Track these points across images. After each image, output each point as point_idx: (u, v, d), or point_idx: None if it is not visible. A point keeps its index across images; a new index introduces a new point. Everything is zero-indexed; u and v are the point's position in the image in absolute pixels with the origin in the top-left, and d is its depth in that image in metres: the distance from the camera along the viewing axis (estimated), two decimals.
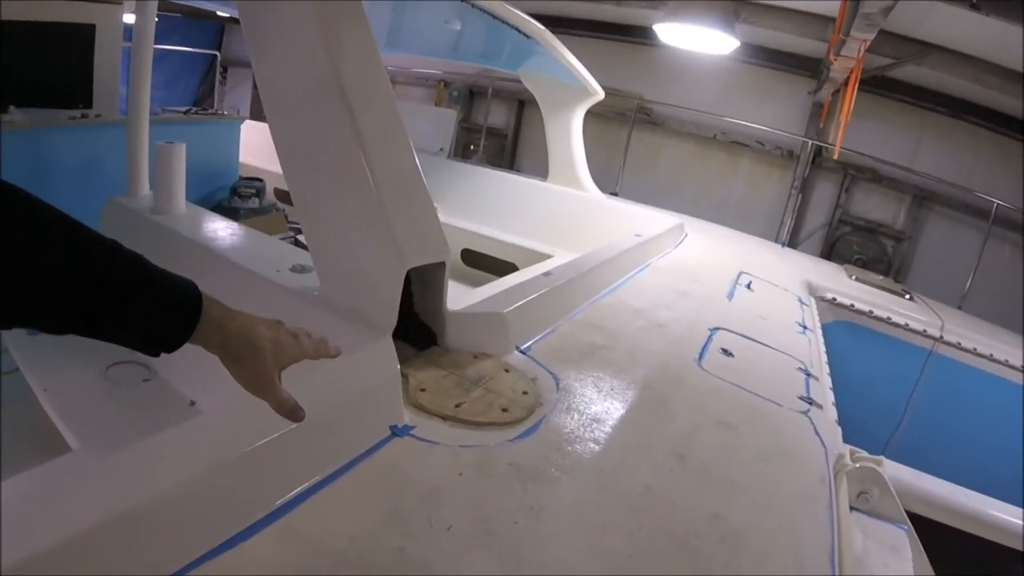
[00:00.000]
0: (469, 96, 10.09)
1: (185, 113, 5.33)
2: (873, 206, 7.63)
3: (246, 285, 1.76)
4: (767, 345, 2.25)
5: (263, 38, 1.62)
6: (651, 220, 3.75)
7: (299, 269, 1.76)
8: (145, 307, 0.72)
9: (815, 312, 3.08)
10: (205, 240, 2.07)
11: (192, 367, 1.88)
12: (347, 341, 1.37)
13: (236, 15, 1.78)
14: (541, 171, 4.66)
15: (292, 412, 0.84)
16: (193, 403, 1.78)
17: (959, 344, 3.47)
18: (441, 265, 1.58)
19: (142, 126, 2.41)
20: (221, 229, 2.18)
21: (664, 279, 2.84)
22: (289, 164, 1.62)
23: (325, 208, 1.60)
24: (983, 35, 4.88)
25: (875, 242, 7.55)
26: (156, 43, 2.49)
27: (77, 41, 4.58)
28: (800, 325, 2.67)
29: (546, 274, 2.18)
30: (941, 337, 3.48)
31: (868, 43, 4.03)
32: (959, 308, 4.60)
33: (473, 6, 2.83)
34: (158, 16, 2.46)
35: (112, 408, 1.77)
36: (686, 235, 3.88)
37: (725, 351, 2.07)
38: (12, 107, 3.95)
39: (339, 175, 1.54)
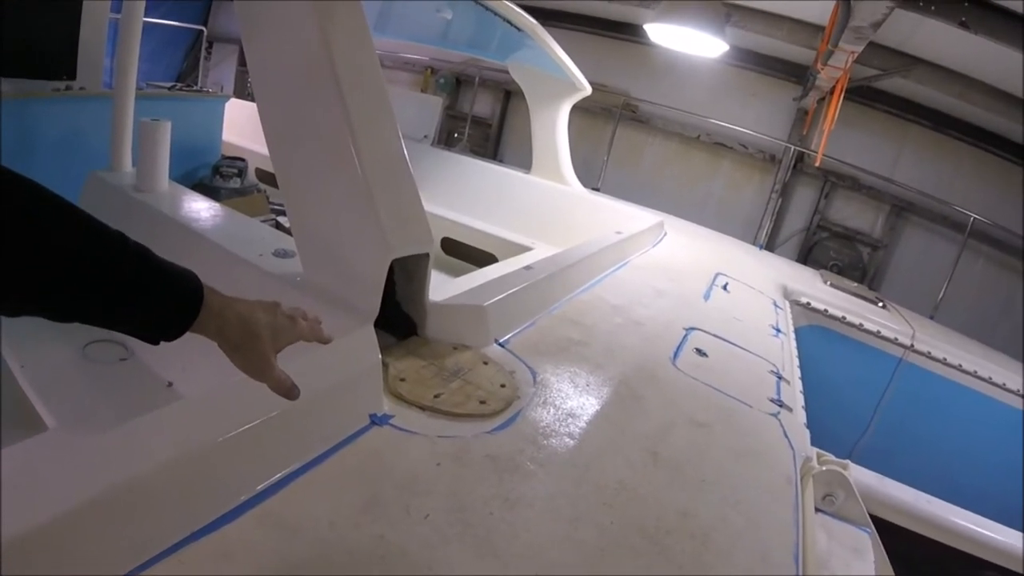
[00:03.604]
0: (456, 84, 10.03)
1: (169, 89, 5.26)
2: (851, 214, 7.74)
3: (229, 268, 1.76)
4: (741, 347, 2.29)
5: (255, 14, 1.62)
6: (632, 217, 3.77)
7: (282, 254, 1.76)
8: (150, 297, 0.74)
9: (789, 316, 3.13)
10: (188, 221, 2.06)
11: (168, 348, 1.87)
12: (329, 328, 1.38)
13: None
14: (524, 162, 4.67)
15: (289, 391, 0.86)
16: (170, 384, 1.78)
17: (929, 353, 3.54)
18: (425, 256, 1.60)
19: (128, 101, 2.38)
20: (204, 210, 2.17)
21: (642, 277, 2.87)
22: (276, 144, 1.62)
23: (311, 191, 1.61)
24: (970, 52, 4.97)
25: (852, 249, 7.66)
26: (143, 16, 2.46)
27: (63, 11, 4.48)
28: (774, 328, 2.72)
29: (527, 268, 2.19)
30: (912, 346, 3.55)
31: (856, 55, 4.08)
32: (931, 318, 4.69)
33: None
34: None
35: (89, 387, 1.77)
36: (665, 234, 3.90)
37: (699, 351, 2.10)
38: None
39: (326, 157, 1.55)
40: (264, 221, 3.18)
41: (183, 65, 11.34)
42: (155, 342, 0.77)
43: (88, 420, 1.62)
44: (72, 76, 4.46)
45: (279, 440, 1.07)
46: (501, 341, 1.77)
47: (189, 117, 4.87)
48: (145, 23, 2.45)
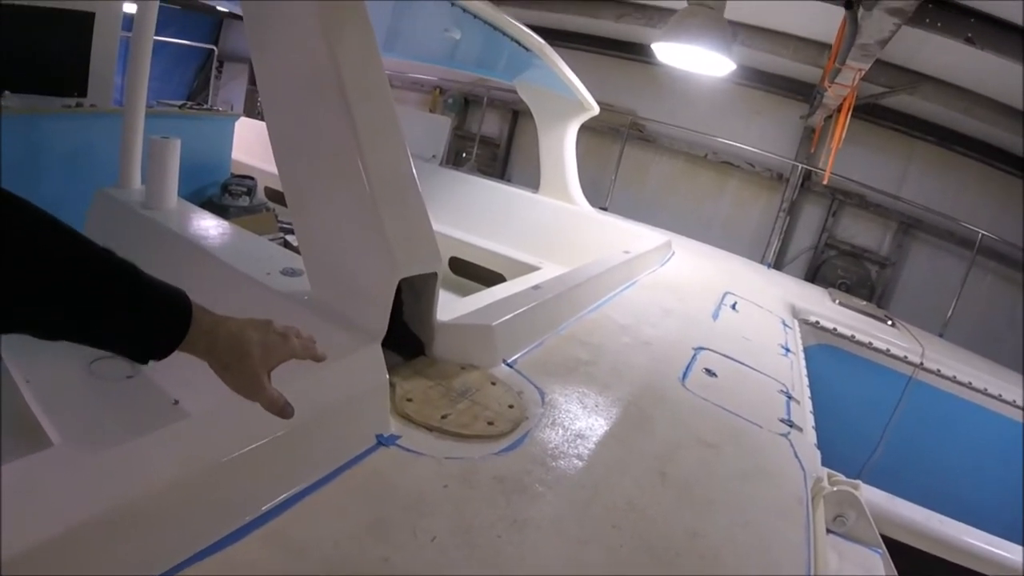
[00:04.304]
0: (464, 104, 10.11)
1: (180, 107, 5.31)
2: (859, 231, 7.72)
3: (236, 286, 1.76)
4: (750, 366, 2.28)
5: (265, 30, 1.63)
6: (640, 237, 3.77)
7: (289, 272, 1.76)
8: (137, 316, 0.73)
9: (798, 335, 3.11)
10: (196, 238, 2.06)
11: (175, 366, 1.86)
12: (336, 347, 1.39)
13: (235, 10, 1.80)
14: (532, 182, 4.68)
15: (282, 410, 0.86)
16: (176, 402, 1.78)
17: (939, 371, 3.51)
18: (433, 275, 1.60)
19: (138, 118, 2.40)
20: (212, 228, 2.17)
21: (651, 296, 2.86)
22: (284, 162, 1.63)
23: (319, 209, 1.61)
24: (976, 68, 4.97)
25: (860, 267, 7.64)
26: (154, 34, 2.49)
27: (76, 28, 4.54)
28: (783, 347, 2.70)
29: (535, 288, 2.19)
30: (921, 364, 3.52)
31: (863, 72, 4.09)
32: (940, 335, 4.65)
33: (475, 17, 2.86)
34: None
35: (95, 403, 1.77)
36: (673, 253, 3.90)
37: (708, 371, 2.09)
38: (7, 92, 3.91)
39: (334, 174, 1.55)
40: (272, 239, 3.20)
41: (194, 84, 11.46)
42: (143, 360, 0.77)
43: (93, 437, 1.62)
44: (83, 93, 4.51)
45: (285, 460, 1.06)
46: (509, 361, 1.76)
47: (199, 135, 4.91)
48: (156, 41, 2.48)
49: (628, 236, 3.76)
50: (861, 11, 3.08)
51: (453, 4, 2.85)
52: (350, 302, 1.52)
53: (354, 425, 1.24)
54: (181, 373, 1.78)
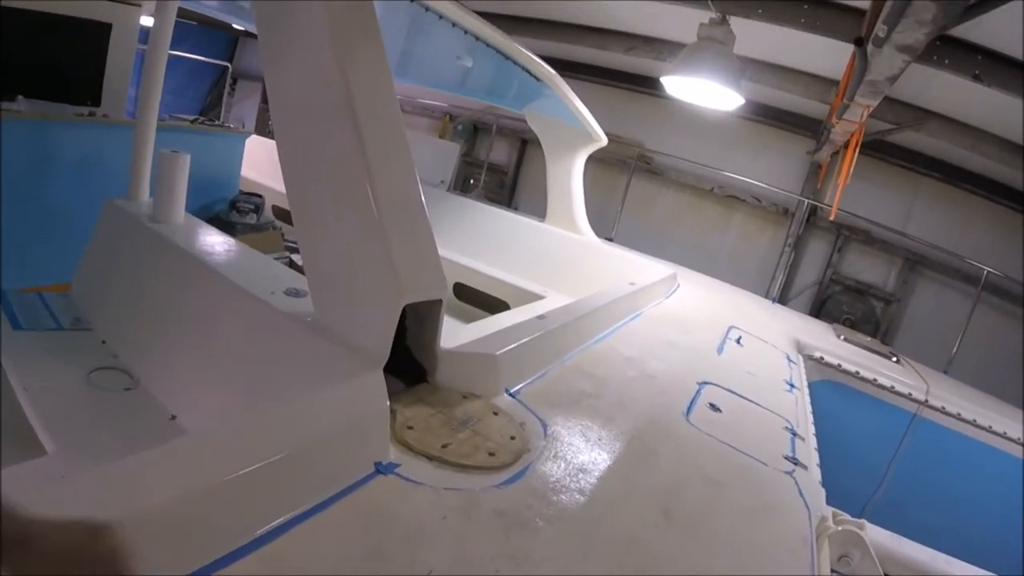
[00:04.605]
0: (473, 131, 10.21)
1: (192, 122, 5.35)
2: (864, 267, 7.72)
3: (240, 305, 1.75)
4: (754, 402, 2.26)
5: (278, 48, 1.64)
6: (645, 268, 3.77)
7: (293, 293, 1.75)
8: None
9: (803, 370, 3.09)
10: (202, 254, 2.05)
11: (174, 380, 1.88)
12: (338, 370, 1.37)
13: (251, 28, 1.81)
14: (539, 210, 4.71)
15: None
16: (174, 417, 1.76)
17: (943, 408, 3.49)
18: (438, 302, 1.58)
19: (149, 131, 2.41)
20: (218, 244, 2.17)
21: (656, 328, 2.84)
22: (292, 181, 1.62)
23: (325, 230, 1.60)
24: (983, 105, 5.00)
25: (864, 303, 7.62)
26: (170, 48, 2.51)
27: (92, 38, 4.59)
28: (787, 383, 2.68)
29: (540, 317, 2.17)
30: (926, 401, 3.49)
31: (871, 109, 4.11)
32: (945, 372, 4.63)
33: (487, 46, 2.88)
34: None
35: (92, 414, 1.75)
36: (679, 285, 3.89)
37: (713, 406, 2.06)
38: (20, 97, 3.94)
39: (341, 196, 1.54)
40: (278, 259, 3.19)
41: (207, 99, 11.59)
42: None
43: (88, 448, 1.59)
44: (97, 103, 4.55)
45: (282, 483, 1.04)
46: (512, 391, 1.74)
47: (209, 151, 4.94)
48: (172, 56, 2.50)
49: (634, 267, 3.76)
50: (871, 47, 3.10)
51: (466, 32, 2.88)
52: (353, 325, 1.51)
53: (353, 451, 1.22)
54: (179, 387, 1.79)
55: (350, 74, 1.47)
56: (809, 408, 2.51)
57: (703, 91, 3.83)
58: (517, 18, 7.07)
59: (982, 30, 3.89)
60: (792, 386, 2.67)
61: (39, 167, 3.71)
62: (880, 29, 2.80)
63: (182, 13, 2.63)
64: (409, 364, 1.67)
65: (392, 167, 1.54)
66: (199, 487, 0.93)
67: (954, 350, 6.28)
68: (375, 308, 1.48)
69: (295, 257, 3.84)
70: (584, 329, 2.37)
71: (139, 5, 4.73)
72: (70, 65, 4.53)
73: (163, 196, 2.27)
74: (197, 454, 1.01)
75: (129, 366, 1.94)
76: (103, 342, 2.08)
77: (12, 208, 3.39)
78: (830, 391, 3.56)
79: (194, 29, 10.08)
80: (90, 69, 4.61)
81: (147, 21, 4.70)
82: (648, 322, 2.92)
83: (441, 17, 2.79)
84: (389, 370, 1.42)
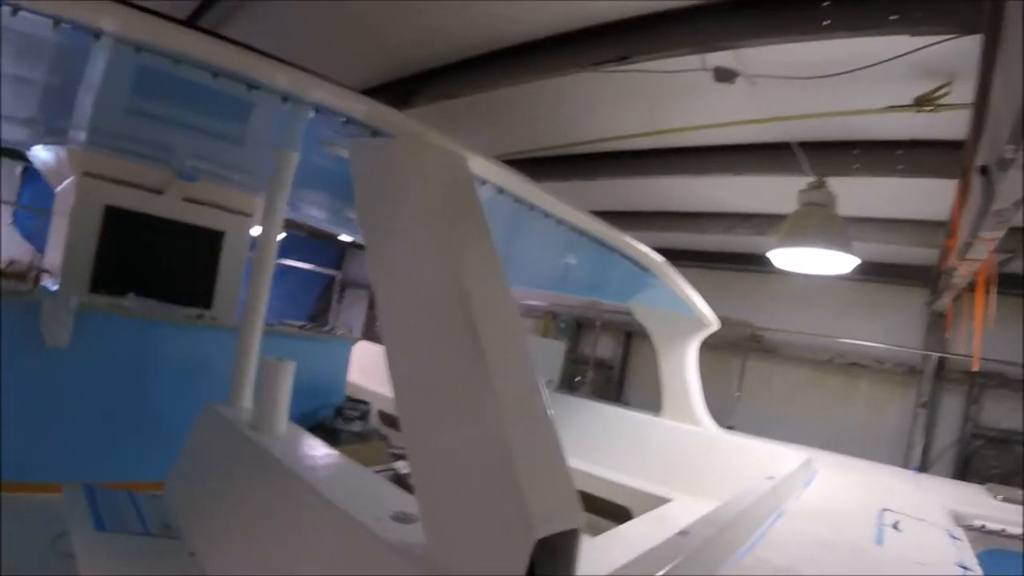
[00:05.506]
0: (576, 327, 10.23)
1: (300, 328, 5.53)
2: (1004, 413, 6.88)
3: (342, 532, 1.55)
4: None
5: (386, 258, 1.60)
6: (776, 457, 3.47)
7: (402, 518, 1.53)
8: None
9: (968, 547, 2.74)
10: (302, 469, 1.91)
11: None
12: None
13: (356, 239, 1.81)
14: (650, 404, 4.51)
15: None
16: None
17: None
18: (574, 532, 1.30)
19: (254, 337, 2.41)
20: (320, 458, 2.03)
21: (803, 527, 2.52)
22: (403, 394, 1.48)
23: (438, 443, 1.41)
24: None
25: (1011, 452, 6.76)
26: (281, 257, 2.56)
27: (207, 245, 4.95)
28: (960, 567, 2.38)
29: (682, 533, 1.85)
30: None
31: (997, 242, 3.73)
32: None
33: (591, 240, 2.81)
34: (285, 232, 2.55)
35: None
36: (816, 471, 3.52)
37: None
38: (131, 294, 4.15)
39: (458, 409, 1.37)
40: (383, 470, 3.04)
41: (316, 306, 12.28)
42: None
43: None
44: (208, 306, 4.78)
45: None
46: None
47: (316, 356, 5.03)
48: (285, 265, 2.56)
49: (764, 457, 3.47)
50: (995, 172, 2.81)
51: (572, 228, 2.83)
52: (473, 562, 1.25)
53: None
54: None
55: (465, 279, 1.38)
56: None
57: (814, 259, 3.66)
58: (609, 212, 7.21)
59: None
60: (964, 568, 2.36)
61: (146, 365, 3.81)
62: (1007, 151, 2.54)
63: (292, 224, 2.74)
64: None
65: (513, 370, 1.37)
66: None
67: None
68: (499, 542, 1.23)
69: (399, 465, 3.67)
70: (729, 540, 2.07)
71: (250, 215, 5.12)
72: (184, 268, 4.86)
73: (264, 403, 2.21)
74: None
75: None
76: (191, 554, 1.94)
77: (112, 400, 3.47)
78: (998, 561, 3.14)
79: (305, 240, 10.94)
80: (203, 273, 4.94)
81: (256, 230, 5.07)
82: (793, 520, 2.60)
83: (547, 215, 2.77)
84: None
